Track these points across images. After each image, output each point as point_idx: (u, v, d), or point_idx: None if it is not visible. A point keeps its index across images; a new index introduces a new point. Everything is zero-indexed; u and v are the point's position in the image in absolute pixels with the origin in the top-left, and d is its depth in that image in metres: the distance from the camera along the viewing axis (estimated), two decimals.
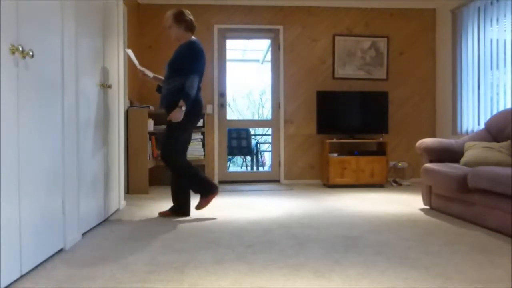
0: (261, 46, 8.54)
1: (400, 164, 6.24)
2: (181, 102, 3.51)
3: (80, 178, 2.98)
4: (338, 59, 6.23)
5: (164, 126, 5.48)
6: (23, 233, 2.15)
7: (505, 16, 4.90)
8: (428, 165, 4.07)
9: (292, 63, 6.21)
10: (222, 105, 6.21)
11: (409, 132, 6.30)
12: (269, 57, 6.56)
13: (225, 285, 2.10)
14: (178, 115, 3.53)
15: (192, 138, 4.11)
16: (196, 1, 5.96)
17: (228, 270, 2.32)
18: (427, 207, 4.21)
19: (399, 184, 6.00)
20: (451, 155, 4.11)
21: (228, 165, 6.80)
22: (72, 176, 2.81)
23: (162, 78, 3.84)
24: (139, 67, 3.92)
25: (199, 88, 3.68)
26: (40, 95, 2.35)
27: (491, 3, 5.11)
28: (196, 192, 3.77)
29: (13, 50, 2.02)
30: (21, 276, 2.16)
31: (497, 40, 5.04)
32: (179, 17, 3.69)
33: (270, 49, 6.46)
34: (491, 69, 5.16)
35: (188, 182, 3.76)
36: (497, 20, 5.03)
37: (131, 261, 2.48)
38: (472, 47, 5.47)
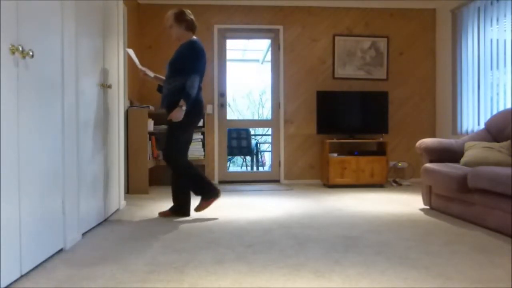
0: (261, 46, 8.54)
1: (400, 164, 6.24)
2: (182, 102, 3.51)
3: (80, 178, 2.98)
4: (338, 59, 6.23)
5: (164, 126, 5.50)
6: (23, 233, 2.15)
7: (505, 16, 4.90)
8: (428, 165, 4.07)
9: (292, 63, 6.21)
10: (222, 105, 6.21)
11: (409, 132, 6.30)
12: (269, 57, 6.56)
13: (225, 285, 2.10)
14: (178, 114, 3.53)
15: (193, 138, 4.10)
16: (196, 1, 5.96)
17: (228, 270, 2.32)
18: (427, 207, 4.21)
19: (399, 184, 6.00)
20: (451, 155, 4.11)
21: (228, 165, 6.80)
22: (72, 176, 2.81)
23: (163, 77, 3.84)
24: (140, 67, 3.92)
25: (200, 88, 3.68)
26: (40, 95, 2.35)
27: (491, 3, 5.11)
28: (197, 194, 3.75)
29: (13, 50, 2.02)
30: (21, 276, 2.16)
31: (497, 40, 5.04)
32: (180, 17, 3.69)
33: (270, 49, 6.46)
34: (491, 69, 5.16)
35: (188, 183, 3.75)
36: (497, 20, 5.03)
37: (131, 261, 2.48)
38: (472, 47, 5.47)
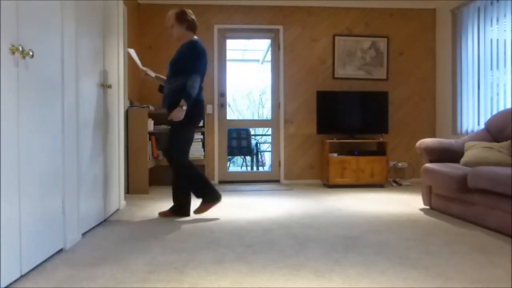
0: (261, 46, 8.54)
1: (400, 164, 6.24)
2: (182, 102, 3.51)
3: (80, 178, 2.98)
4: (338, 59, 6.23)
5: (164, 126, 5.52)
6: (23, 233, 2.15)
7: (505, 16, 4.90)
8: (428, 165, 4.07)
9: (292, 63, 6.21)
10: (222, 105, 6.21)
11: (409, 132, 6.30)
12: (269, 57, 6.56)
13: (225, 285, 2.10)
14: (178, 114, 3.53)
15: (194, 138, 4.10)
16: (196, 1, 5.96)
17: (228, 270, 2.32)
18: (427, 207, 4.21)
19: (399, 184, 6.00)
20: (451, 155, 4.11)
21: (228, 165, 6.80)
22: (72, 176, 2.81)
23: (164, 77, 3.84)
24: (141, 67, 3.92)
25: (201, 88, 3.68)
26: (40, 95, 2.35)
27: (491, 3, 5.11)
28: (198, 196, 3.73)
29: (13, 50, 2.02)
30: (21, 276, 2.16)
31: (497, 40, 5.04)
32: (181, 17, 3.69)
33: (270, 49, 6.46)
34: (491, 69, 5.16)
35: (189, 184, 3.73)
36: (497, 20, 5.03)
37: (131, 261, 2.48)
38: (472, 47, 5.47)
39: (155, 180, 5.77)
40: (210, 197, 3.71)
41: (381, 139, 5.96)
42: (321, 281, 2.15)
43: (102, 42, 3.54)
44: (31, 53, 2.14)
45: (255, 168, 8.59)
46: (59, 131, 2.61)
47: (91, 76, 3.25)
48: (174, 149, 3.67)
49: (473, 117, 5.46)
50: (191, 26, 3.72)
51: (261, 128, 9.55)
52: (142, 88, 5.94)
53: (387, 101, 6.05)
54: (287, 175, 6.22)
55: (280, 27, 6.20)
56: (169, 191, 4.49)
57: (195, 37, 3.75)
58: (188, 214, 3.77)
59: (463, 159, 3.89)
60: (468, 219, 3.54)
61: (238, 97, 10.79)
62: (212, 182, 4.31)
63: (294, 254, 2.62)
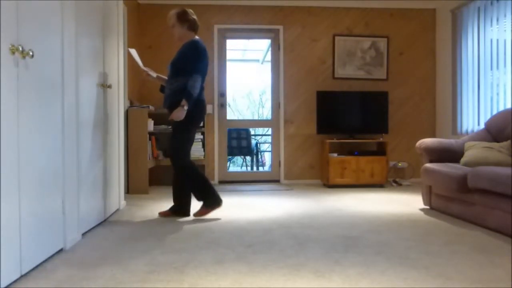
0: (261, 46, 8.54)
1: (400, 164, 6.24)
2: (183, 101, 3.51)
3: (80, 178, 2.98)
4: (338, 59, 6.23)
5: (164, 126, 5.52)
6: (23, 233, 2.15)
7: (505, 16, 4.90)
8: (428, 165, 4.07)
9: (292, 63, 6.21)
10: (222, 105, 6.21)
11: (409, 132, 6.30)
12: (269, 57, 6.56)
13: (225, 285, 2.10)
14: (179, 114, 3.53)
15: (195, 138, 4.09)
16: (196, 1, 5.96)
17: (228, 270, 2.32)
18: (427, 207, 4.21)
19: (399, 184, 6.00)
20: (451, 155, 4.11)
21: (228, 165, 6.80)
22: (72, 176, 2.81)
23: (166, 78, 3.84)
24: (142, 67, 3.92)
25: (202, 88, 3.68)
26: (40, 95, 2.35)
27: (491, 3, 5.11)
28: (198, 199, 3.72)
29: (13, 50, 2.02)
30: (21, 276, 2.16)
31: (497, 40, 5.04)
32: (183, 17, 3.69)
33: (270, 49, 6.46)
34: (491, 69, 5.16)
35: (190, 184, 3.72)
36: (497, 20, 5.03)
37: (131, 261, 2.48)
38: (472, 47, 5.47)
39: (155, 180, 5.77)
40: (211, 202, 3.69)
41: (381, 139, 5.96)
42: (321, 281, 2.15)
43: (102, 42, 3.54)
44: (31, 53, 2.14)
45: (255, 168, 8.59)
46: (59, 131, 2.61)
47: (91, 76, 3.25)
48: (176, 149, 3.66)
49: (473, 117, 5.46)
50: (192, 26, 3.72)
51: (261, 128, 9.55)
52: (142, 88, 5.94)
53: (387, 101, 6.05)
54: (287, 175, 6.22)
55: (280, 27, 6.20)
56: (169, 191, 4.49)
57: (196, 37, 3.75)
58: (188, 214, 3.77)
59: (463, 159, 3.89)
60: (468, 219, 3.54)
61: (238, 97, 10.79)
62: (212, 182, 4.31)
63: (294, 254, 2.62)
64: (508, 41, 4.83)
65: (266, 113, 10.45)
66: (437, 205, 4.01)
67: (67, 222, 2.71)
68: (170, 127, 5.19)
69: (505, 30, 4.90)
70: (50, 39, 2.49)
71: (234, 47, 8.41)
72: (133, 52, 3.94)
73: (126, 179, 4.97)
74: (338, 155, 5.78)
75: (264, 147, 9.69)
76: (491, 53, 5.14)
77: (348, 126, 6.04)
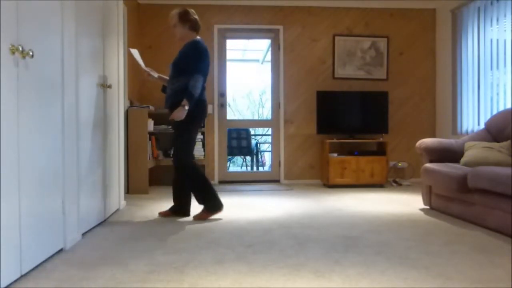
0: (261, 46, 8.54)
1: (400, 164, 6.24)
2: (184, 101, 3.50)
3: (80, 178, 2.98)
4: (338, 59, 6.23)
5: (164, 126, 5.52)
6: (23, 233, 2.15)
7: (505, 16, 4.90)
8: (428, 165, 4.07)
9: (292, 63, 6.21)
10: (222, 105, 6.21)
11: (409, 132, 6.30)
12: (269, 57, 6.56)
13: (225, 285, 2.10)
14: (180, 114, 3.52)
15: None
16: (196, 1, 5.96)
17: (228, 270, 2.32)
18: (427, 207, 4.21)
19: (399, 184, 6.00)
20: (451, 155, 4.11)
21: (228, 165, 6.80)
22: (72, 176, 2.81)
23: (167, 78, 3.83)
24: (144, 67, 3.91)
25: (203, 88, 3.67)
26: (40, 95, 2.35)
27: (491, 3, 5.11)
28: (199, 201, 3.70)
29: (13, 50, 2.02)
30: (21, 276, 2.17)
31: (497, 40, 5.04)
32: (184, 17, 3.68)
33: (270, 49, 6.46)
34: (491, 69, 5.16)
35: (191, 185, 3.71)
36: (497, 20, 5.03)
37: (131, 261, 2.48)
38: (472, 47, 5.47)
39: (155, 180, 5.77)
40: (212, 206, 3.67)
41: (381, 139, 5.96)
42: (321, 281, 2.15)
43: (102, 42, 3.54)
44: (31, 53, 2.14)
45: (255, 168, 8.59)
46: (59, 131, 2.61)
47: (91, 76, 3.25)
48: (179, 150, 3.65)
49: (473, 117, 5.46)
50: (194, 26, 3.72)
51: (261, 128, 9.55)
52: (142, 88, 5.94)
53: (387, 101, 6.05)
54: (287, 175, 6.22)
55: (280, 27, 6.20)
56: (169, 191, 4.49)
57: (198, 37, 3.75)
58: (188, 214, 3.77)
59: (463, 159, 3.89)
60: (468, 219, 3.54)
61: (238, 97, 10.79)
62: (212, 182, 4.31)
63: (294, 254, 2.62)
64: (508, 41, 4.83)
65: (266, 113, 10.45)
66: (437, 205, 4.01)
67: (67, 222, 2.71)
68: (170, 127, 5.20)
69: (505, 30, 4.90)
70: (50, 39, 2.49)
71: (234, 47, 8.41)
72: (135, 52, 3.93)
73: (126, 179, 4.97)
74: (338, 155, 5.78)
75: (264, 147, 9.69)
76: (491, 53, 5.14)
77: (348, 126, 6.04)
